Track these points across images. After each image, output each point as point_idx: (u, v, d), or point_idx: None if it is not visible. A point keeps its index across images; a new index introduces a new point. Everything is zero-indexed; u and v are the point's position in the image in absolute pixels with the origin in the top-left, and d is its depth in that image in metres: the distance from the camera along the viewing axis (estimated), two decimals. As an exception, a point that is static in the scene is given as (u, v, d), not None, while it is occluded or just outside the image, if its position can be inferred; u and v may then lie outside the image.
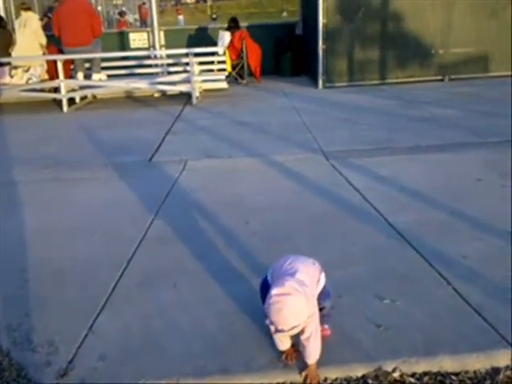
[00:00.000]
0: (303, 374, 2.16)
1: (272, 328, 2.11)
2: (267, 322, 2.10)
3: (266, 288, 2.28)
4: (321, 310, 2.34)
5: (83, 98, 9.06)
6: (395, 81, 9.42)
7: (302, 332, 2.12)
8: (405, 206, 3.85)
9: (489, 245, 3.20)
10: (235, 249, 3.29)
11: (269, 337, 2.36)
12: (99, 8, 18.48)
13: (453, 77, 9.43)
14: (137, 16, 26.06)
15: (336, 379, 2.16)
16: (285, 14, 32.13)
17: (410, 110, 7.23)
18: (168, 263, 3.17)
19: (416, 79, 9.40)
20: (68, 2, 8.41)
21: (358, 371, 2.19)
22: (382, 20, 9.25)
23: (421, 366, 2.20)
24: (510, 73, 9.25)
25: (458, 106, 7.23)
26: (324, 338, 2.35)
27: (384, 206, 3.84)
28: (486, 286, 2.74)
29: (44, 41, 8.95)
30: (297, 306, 2.03)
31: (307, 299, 2.08)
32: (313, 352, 2.14)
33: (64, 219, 3.93)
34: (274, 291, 2.06)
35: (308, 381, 2.14)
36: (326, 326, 2.38)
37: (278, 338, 2.20)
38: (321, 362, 2.21)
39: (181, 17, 29.84)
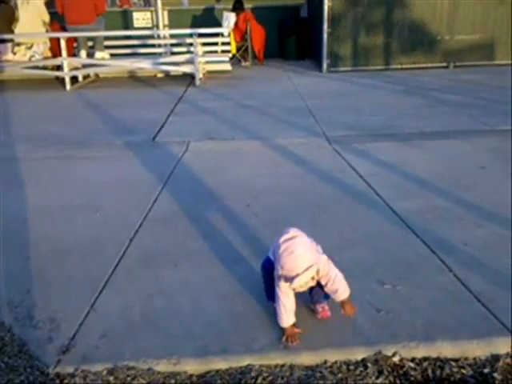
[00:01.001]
0: (342, 311, 2.30)
1: (283, 284, 2.14)
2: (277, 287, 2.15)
3: (268, 267, 2.32)
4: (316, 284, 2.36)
5: (86, 77, 9.02)
6: (399, 67, 9.35)
7: (324, 281, 2.22)
8: (407, 192, 3.84)
9: (490, 232, 3.20)
10: (236, 231, 3.29)
11: (270, 317, 2.38)
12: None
13: (458, 64, 9.37)
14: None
15: (336, 362, 2.17)
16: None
17: (414, 96, 7.19)
18: (170, 243, 3.17)
19: (420, 65, 9.34)
20: (72, -21, 8.32)
21: (358, 355, 2.20)
22: (388, 5, 9.15)
23: (420, 351, 2.21)
24: (513, 61, 9.21)
25: (462, 93, 7.18)
26: (324, 319, 2.37)
27: (387, 191, 3.83)
28: (487, 273, 2.74)
29: (47, 18, 8.86)
30: (305, 245, 2.13)
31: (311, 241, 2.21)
32: (341, 290, 2.26)
33: (66, 197, 3.93)
34: (280, 240, 2.13)
35: (345, 312, 2.30)
36: (326, 307, 2.39)
37: (283, 304, 2.22)
38: (320, 345, 2.23)
39: (185, -3, 29.48)
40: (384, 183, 4.00)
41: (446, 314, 2.41)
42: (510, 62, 9.25)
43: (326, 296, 2.39)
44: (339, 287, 2.27)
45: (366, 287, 2.64)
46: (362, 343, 2.24)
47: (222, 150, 4.96)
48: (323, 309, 2.40)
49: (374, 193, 3.84)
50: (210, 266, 2.90)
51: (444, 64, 9.41)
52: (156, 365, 2.18)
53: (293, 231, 2.18)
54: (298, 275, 2.08)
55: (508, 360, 2.18)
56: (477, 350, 2.22)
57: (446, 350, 2.21)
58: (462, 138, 5.07)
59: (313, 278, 2.19)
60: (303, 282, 2.13)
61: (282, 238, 2.15)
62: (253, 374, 2.12)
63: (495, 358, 2.20)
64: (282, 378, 2.10)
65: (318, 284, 2.34)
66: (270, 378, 2.10)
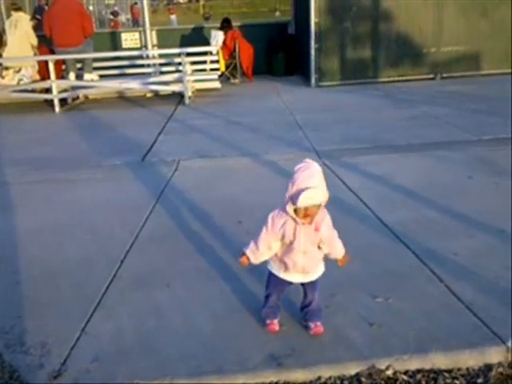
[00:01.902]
0: (341, 261, 2.39)
1: (289, 198, 2.13)
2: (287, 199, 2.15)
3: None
4: (309, 304, 2.39)
5: (75, 99, 9.03)
6: (387, 79, 9.45)
7: (328, 239, 2.28)
8: (397, 205, 3.86)
9: (480, 242, 3.22)
10: (228, 248, 3.29)
11: (263, 335, 2.37)
12: (91, 8, 18.43)
13: (444, 75, 9.47)
14: (129, 16, 25.96)
15: (330, 378, 2.17)
16: (278, 13, 32.07)
17: (402, 108, 7.26)
18: (161, 263, 3.16)
19: (408, 78, 9.43)
20: (59, 2, 8.37)
21: (352, 369, 2.19)
22: (374, 19, 9.27)
23: (414, 364, 2.21)
24: (500, 71, 9.32)
25: (450, 104, 7.26)
26: (317, 335, 2.36)
27: (377, 204, 3.85)
28: (478, 283, 2.75)
29: (35, 41, 8.91)
30: (321, 173, 2.14)
31: None
32: (339, 251, 2.35)
33: (56, 220, 3.91)
34: (297, 168, 2.14)
35: (342, 263, 2.39)
36: (319, 323, 2.40)
37: (262, 242, 2.27)
38: (314, 361, 2.22)
39: (173, 16, 29.72)
40: (374, 196, 4.02)
41: (438, 324, 2.42)
42: (494, 71, 9.38)
43: (319, 315, 2.41)
44: (339, 244, 2.35)
45: (359, 301, 2.65)
46: (355, 358, 2.24)
47: (213, 168, 4.98)
48: (316, 325, 2.40)
49: (365, 206, 3.86)
50: (203, 284, 2.90)
51: (431, 76, 9.52)
52: (149, 386, 2.16)
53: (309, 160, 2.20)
54: (307, 188, 2.06)
55: (501, 369, 2.19)
56: (469, 360, 2.22)
57: (439, 361, 2.22)
58: (450, 149, 5.12)
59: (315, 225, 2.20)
60: (310, 201, 2.09)
61: (299, 164, 2.17)
62: (247, 393, 2.11)
63: (488, 367, 2.20)
64: (276, 395, 2.09)
65: (309, 303, 2.37)
66: (264, 396, 2.09)
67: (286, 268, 2.31)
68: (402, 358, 2.22)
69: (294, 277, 2.33)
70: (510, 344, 2.25)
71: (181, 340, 2.42)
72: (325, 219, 2.25)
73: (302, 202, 2.08)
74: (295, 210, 2.15)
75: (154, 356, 2.32)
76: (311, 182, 2.08)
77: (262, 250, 2.29)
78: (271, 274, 2.39)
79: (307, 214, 2.15)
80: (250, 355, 2.28)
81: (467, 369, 2.20)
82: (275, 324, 2.43)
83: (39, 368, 2.27)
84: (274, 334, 2.39)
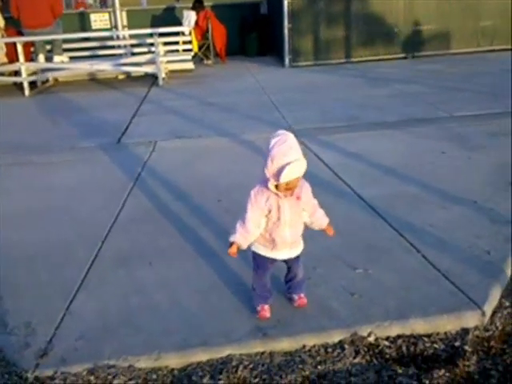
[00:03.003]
0: (328, 230, 2.40)
1: (270, 175, 2.12)
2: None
3: None
4: (294, 277, 2.42)
5: (45, 82, 8.83)
6: (360, 59, 9.50)
7: (311, 209, 2.32)
8: (374, 180, 3.93)
9: (454, 214, 3.31)
10: (208, 226, 3.31)
11: (247, 308, 2.41)
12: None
13: (416, 54, 9.59)
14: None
15: (314, 346, 2.23)
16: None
17: (376, 87, 7.33)
18: (142, 243, 3.16)
19: (380, 57, 9.51)
20: (27, -18, 8.14)
21: (335, 337, 2.25)
22: (347, -1, 9.28)
23: (394, 330, 2.28)
24: (469, 49, 9.48)
25: (422, 82, 7.36)
26: (301, 307, 2.41)
27: (354, 180, 3.91)
28: (453, 252, 2.84)
29: (2, 23, 8.64)
30: (296, 142, 2.13)
31: None
32: (322, 220, 2.37)
33: (32, 203, 3.86)
34: (271, 137, 2.14)
35: (330, 232, 2.41)
36: (302, 295, 2.45)
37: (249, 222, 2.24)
38: (298, 330, 2.28)
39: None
40: (351, 172, 4.08)
41: (416, 292, 2.50)
42: (464, 50, 9.53)
43: (302, 287, 2.45)
44: (321, 212, 2.37)
45: (339, 273, 2.71)
46: (338, 326, 2.30)
47: (190, 148, 4.97)
48: (299, 297, 2.44)
49: (342, 182, 3.92)
50: (185, 261, 2.92)
51: (403, 55, 9.62)
52: (137, 362, 2.18)
53: (282, 131, 2.18)
54: (288, 163, 2.05)
55: (477, 333, 2.28)
56: (447, 324, 2.31)
57: (419, 326, 2.30)
58: (423, 126, 5.22)
59: (298, 198, 2.22)
60: (293, 175, 2.09)
61: (273, 135, 2.15)
62: (234, 364, 2.15)
63: (465, 331, 2.29)
64: (263, 365, 2.14)
65: (293, 277, 2.41)
66: (251, 365, 2.14)
67: (275, 245, 2.29)
68: (382, 324, 2.29)
69: (282, 253, 2.33)
70: (485, 308, 2.34)
71: (165, 316, 2.44)
72: (303, 187, 2.26)
73: (285, 177, 2.08)
74: (276, 186, 2.15)
75: (140, 332, 2.34)
76: (291, 156, 2.07)
77: (251, 230, 2.24)
78: (258, 256, 2.35)
79: (289, 188, 2.16)
80: (235, 328, 2.32)
81: (445, 333, 2.29)
82: (266, 310, 2.38)
83: (25, 347, 2.27)
84: (265, 320, 2.35)
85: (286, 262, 2.40)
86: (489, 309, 2.37)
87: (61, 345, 2.29)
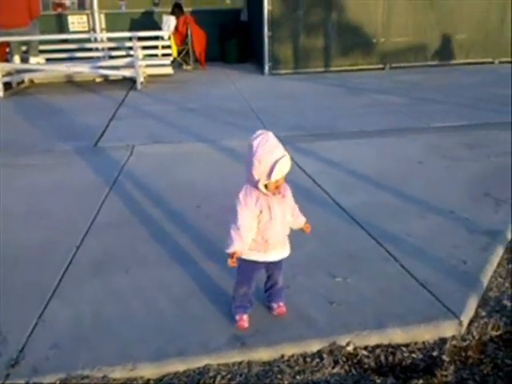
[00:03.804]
0: (305, 228, 2.43)
1: (259, 175, 2.10)
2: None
3: None
4: (274, 285, 2.40)
5: (20, 83, 8.65)
6: (339, 68, 9.58)
7: (291, 209, 2.33)
8: (352, 188, 3.95)
9: (431, 223, 3.34)
10: (187, 233, 3.27)
11: (225, 317, 2.38)
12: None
13: (393, 65, 9.71)
14: (74, -1, 25.05)
15: (292, 355, 2.21)
16: (228, 1, 31.68)
17: (354, 96, 7.39)
18: (119, 249, 3.11)
19: (358, 67, 9.61)
20: (3, -18, 8.00)
21: (314, 347, 2.24)
22: (326, 8, 9.35)
23: (373, 339, 2.28)
24: (445, 62, 9.67)
25: (400, 93, 7.45)
26: (280, 316, 2.39)
27: (333, 188, 3.92)
28: (431, 261, 2.86)
29: (-23, 22, 8.45)
30: (274, 136, 2.12)
31: None
32: (300, 218, 2.40)
33: (7, 206, 3.76)
34: (251, 139, 2.11)
35: (307, 229, 2.43)
36: (282, 303, 2.43)
37: (243, 227, 2.19)
38: (277, 340, 2.25)
39: (123, 3, 28.79)
40: (330, 180, 4.10)
41: (394, 301, 2.50)
42: (440, 62, 9.71)
43: (281, 295, 2.43)
44: (299, 212, 2.39)
45: (319, 281, 2.70)
46: (317, 335, 2.29)
47: (169, 154, 4.92)
48: (279, 305, 2.43)
49: (321, 189, 3.92)
50: (162, 269, 2.87)
51: (381, 65, 9.74)
52: (111, 372, 2.13)
53: (261, 131, 2.17)
54: (276, 162, 2.06)
55: (454, 342, 2.29)
56: (425, 334, 2.32)
57: (397, 336, 2.30)
58: (401, 136, 5.27)
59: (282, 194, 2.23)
60: (284, 171, 2.10)
61: (253, 137, 2.13)
62: (211, 374, 2.12)
63: (443, 341, 2.30)
64: (241, 375, 2.11)
65: (273, 284, 2.39)
66: (229, 376, 2.11)
67: (267, 246, 2.25)
68: (361, 334, 2.29)
69: (274, 254, 2.30)
70: (462, 318, 2.36)
71: (141, 324, 2.39)
72: (285, 185, 2.26)
73: (277, 174, 2.09)
74: (265, 186, 2.14)
75: (115, 341, 2.29)
76: (278, 153, 2.08)
77: (246, 235, 2.19)
78: (248, 262, 2.28)
79: (278, 185, 2.16)
80: (212, 337, 2.29)
81: (423, 342, 2.30)
82: (244, 320, 2.34)
83: (-5, 356, 2.20)
84: (243, 330, 2.31)
85: (267, 268, 2.38)
86: (466, 318, 2.39)
87: (33, 354, 2.22)
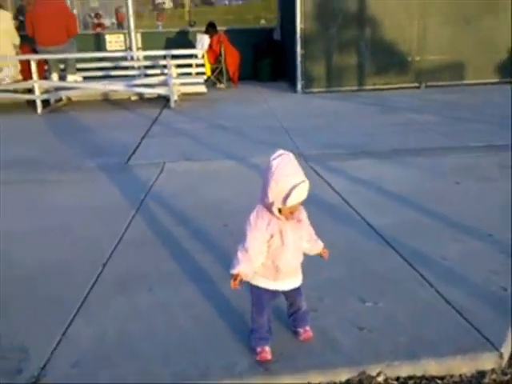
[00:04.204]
0: (323, 253, 2.30)
1: (274, 198, 1.99)
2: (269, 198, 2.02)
3: None
4: (298, 311, 2.29)
5: (58, 101, 8.87)
6: (372, 87, 9.47)
7: (308, 233, 2.22)
8: (385, 209, 3.83)
9: (468, 247, 3.19)
10: (213, 251, 3.21)
11: (246, 340, 2.29)
12: (75, 11, 18.21)
13: (429, 84, 9.53)
14: (114, 20, 25.72)
15: (319, 384, 2.11)
16: (263, 21, 31.89)
17: (388, 115, 7.26)
18: (144, 267, 3.07)
19: (393, 86, 9.47)
20: (43, 2, 8.23)
21: (342, 376, 2.13)
22: (359, 26, 9.29)
23: (405, 370, 2.16)
24: (484, 80, 9.43)
25: (435, 112, 7.29)
26: (307, 341, 2.30)
27: (364, 208, 3.81)
28: (468, 287, 2.72)
29: (17, 40, 8.72)
30: (295, 158, 2.03)
31: None
32: (318, 243, 2.27)
33: (35, 222, 3.80)
34: (271, 158, 2.02)
35: (325, 254, 2.30)
36: (308, 328, 2.33)
37: (253, 249, 2.09)
38: (303, 366, 2.16)
39: (160, 23, 29.33)
40: (361, 200, 3.99)
41: (428, 329, 2.37)
42: (478, 81, 9.48)
43: (307, 319, 2.33)
44: (316, 237, 2.28)
45: (347, 305, 2.59)
46: (346, 363, 2.18)
47: (198, 171, 4.90)
48: (305, 330, 2.32)
49: (352, 209, 3.82)
50: (186, 287, 2.82)
51: (416, 84, 9.57)
52: (132, 393, 2.07)
53: (283, 151, 2.06)
54: (295, 187, 1.94)
55: (494, 376, 2.15)
56: (462, 366, 2.18)
57: (431, 367, 2.17)
58: (436, 155, 5.12)
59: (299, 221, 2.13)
60: (301, 198, 1.99)
61: (272, 156, 2.02)
62: (233, 400, 2.04)
63: (481, 374, 2.16)
64: (264, 402, 2.02)
65: (297, 310, 2.28)
66: (251, 402, 2.02)
67: (278, 273, 2.14)
68: (392, 364, 2.17)
69: (286, 283, 2.19)
70: (503, 350, 2.21)
71: (164, 344, 2.33)
72: (301, 209, 2.15)
73: (293, 200, 1.97)
74: (279, 209, 2.03)
75: (137, 360, 2.24)
76: (297, 178, 1.96)
77: (254, 258, 2.07)
78: (257, 289, 2.18)
79: (292, 211, 2.05)
80: (236, 360, 2.21)
81: (460, 376, 2.16)
82: (267, 352, 2.18)
83: (17, 373, 2.17)
84: (266, 362, 2.17)
85: (287, 296, 2.26)
86: (507, 350, 2.24)
87: (54, 372, 2.19)
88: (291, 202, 1.97)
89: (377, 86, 9.47)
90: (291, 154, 2.04)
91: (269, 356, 2.21)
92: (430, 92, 9.08)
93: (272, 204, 2.02)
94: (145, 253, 3.26)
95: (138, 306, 2.67)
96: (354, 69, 9.50)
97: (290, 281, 2.20)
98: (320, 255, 2.31)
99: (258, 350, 2.22)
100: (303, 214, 2.18)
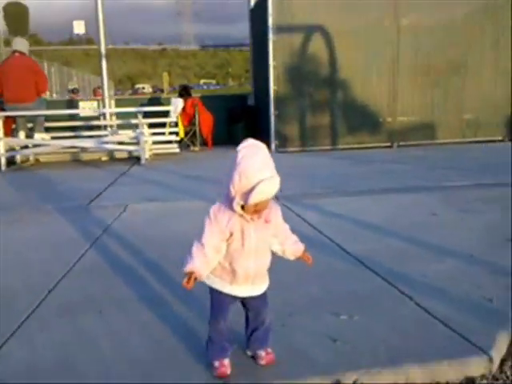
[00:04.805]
0: (305, 258, 2.03)
1: (236, 193, 1.75)
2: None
3: None
4: (260, 325, 1.98)
5: (25, 161, 8.58)
6: (346, 146, 9.50)
7: (282, 235, 1.97)
8: (362, 237, 3.62)
9: (449, 266, 2.98)
10: (168, 278, 2.92)
11: (201, 359, 1.97)
12: (54, 95, 18.52)
13: (401, 143, 9.63)
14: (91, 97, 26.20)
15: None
16: (231, 81, 32.37)
17: (363, 165, 7.21)
18: (94, 292, 2.77)
19: (366, 145, 9.52)
20: (12, 58, 8.19)
21: (313, 385, 1.82)
22: (332, 88, 9.47)
23: (386, 377, 1.87)
24: (454, 140, 9.58)
25: (409, 162, 7.27)
26: (269, 364, 1.96)
27: (339, 236, 3.59)
28: (450, 300, 2.48)
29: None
30: (268, 154, 1.80)
31: None
32: (296, 246, 2.01)
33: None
34: (239, 148, 1.79)
35: (309, 260, 2.02)
36: (270, 350, 1.98)
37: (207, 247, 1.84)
38: (268, 377, 1.85)
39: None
40: (336, 230, 3.77)
41: (410, 338, 2.11)
42: (449, 140, 9.62)
43: (268, 338, 2.00)
44: (294, 237, 2.02)
45: (320, 319, 2.32)
46: (317, 373, 1.88)
47: (162, 209, 4.66)
48: (267, 352, 1.97)
49: (327, 238, 3.59)
50: (139, 311, 2.51)
51: (388, 144, 9.66)
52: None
53: (253, 141, 1.83)
54: (260, 182, 1.69)
55: (484, 382, 1.87)
56: (449, 372, 1.90)
57: (415, 374, 1.89)
58: (412, 192, 5.00)
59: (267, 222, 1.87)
60: (265, 195, 1.74)
61: (242, 145, 1.79)
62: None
63: (470, 380, 1.88)
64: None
65: (259, 325, 1.97)
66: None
67: (234, 277, 1.86)
68: (370, 371, 1.87)
69: (242, 289, 1.88)
70: (493, 353, 1.94)
71: (111, 367, 2.00)
72: (273, 208, 1.89)
73: (256, 198, 1.72)
74: (243, 207, 1.78)
75: (79, 381, 1.90)
76: (264, 173, 1.71)
77: (210, 255, 1.82)
78: (214, 291, 1.91)
79: (258, 209, 1.79)
80: (191, 377, 1.89)
81: (447, 382, 1.87)
82: (226, 366, 1.91)
83: None
84: (225, 378, 1.88)
85: (249, 307, 1.95)
86: (497, 355, 1.97)
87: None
88: (254, 199, 1.73)
89: (350, 145, 9.51)
90: (262, 145, 1.81)
91: (228, 371, 1.90)
92: (403, 150, 9.15)
93: (233, 199, 1.77)
94: (96, 280, 2.95)
95: (85, 328, 2.35)
96: (327, 129, 9.58)
97: (249, 287, 1.90)
98: (301, 259, 2.02)
99: (216, 364, 1.91)
100: (274, 214, 1.91)
